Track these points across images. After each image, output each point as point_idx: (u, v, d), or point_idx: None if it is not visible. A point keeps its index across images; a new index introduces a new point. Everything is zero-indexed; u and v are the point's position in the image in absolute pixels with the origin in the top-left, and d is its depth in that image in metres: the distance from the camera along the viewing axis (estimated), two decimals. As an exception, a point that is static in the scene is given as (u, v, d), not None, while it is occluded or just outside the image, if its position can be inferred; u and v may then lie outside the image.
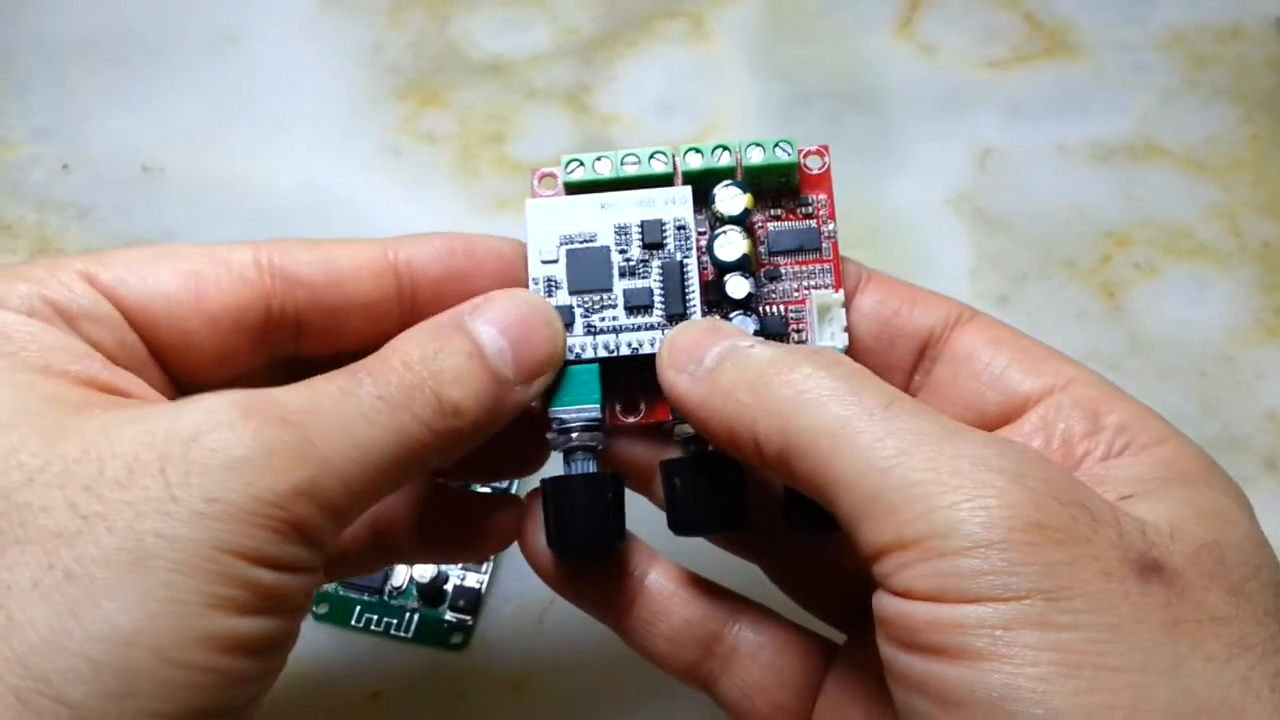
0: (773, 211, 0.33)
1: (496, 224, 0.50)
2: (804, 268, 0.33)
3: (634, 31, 0.56)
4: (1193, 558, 0.25)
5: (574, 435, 0.31)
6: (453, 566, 0.41)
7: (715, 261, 0.32)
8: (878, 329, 0.33)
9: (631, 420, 0.32)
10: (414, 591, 0.41)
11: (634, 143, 0.52)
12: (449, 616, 0.41)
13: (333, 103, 0.55)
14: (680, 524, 0.31)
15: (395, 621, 0.41)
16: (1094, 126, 0.52)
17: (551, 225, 0.32)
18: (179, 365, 0.30)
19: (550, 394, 0.31)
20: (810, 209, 0.33)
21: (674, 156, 0.32)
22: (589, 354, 0.31)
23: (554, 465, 0.32)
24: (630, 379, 0.32)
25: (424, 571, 0.41)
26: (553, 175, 0.33)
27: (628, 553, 0.33)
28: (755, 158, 0.32)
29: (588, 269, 0.32)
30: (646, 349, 0.31)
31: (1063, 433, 0.30)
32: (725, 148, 0.32)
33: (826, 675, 0.32)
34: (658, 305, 0.32)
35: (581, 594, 0.33)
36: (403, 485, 0.30)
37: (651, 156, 0.32)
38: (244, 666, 0.24)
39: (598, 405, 0.31)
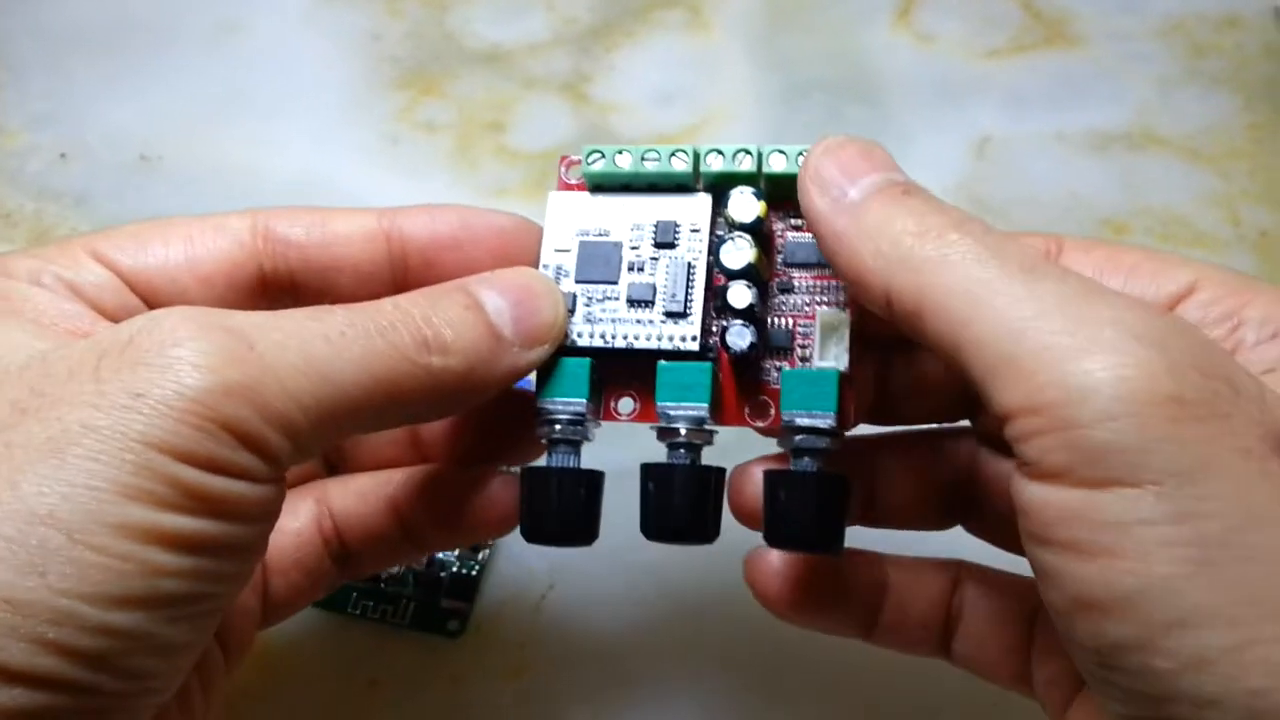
0: (793, 221, 0.32)
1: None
2: (819, 283, 0.32)
3: (632, 21, 0.56)
4: None
5: (558, 427, 0.31)
6: (449, 554, 0.41)
7: (720, 267, 0.31)
8: None
9: (624, 416, 0.32)
10: (410, 579, 0.41)
11: (632, 132, 0.52)
12: (445, 604, 0.41)
13: (331, 92, 0.55)
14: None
15: (391, 609, 0.41)
16: (1092, 115, 0.52)
17: (570, 216, 0.33)
18: None
19: (541, 385, 0.31)
20: None
21: (695, 157, 0.32)
22: (584, 342, 0.31)
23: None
24: (626, 374, 0.32)
25: (421, 560, 0.41)
26: (578, 161, 0.33)
27: (852, 566, 0.33)
28: (777, 165, 0.32)
29: (596, 261, 0.32)
30: (641, 344, 0.31)
31: None
32: (747, 151, 0.32)
33: (1036, 618, 0.32)
34: (659, 302, 0.31)
35: (818, 621, 0.33)
36: (389, 424, 0.30)
37: (672, 155, 0.32)
38: (169, 561, 0.24)
39: (585, 400, 0.31)
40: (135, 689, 0.24)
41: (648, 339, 0.31)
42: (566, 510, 0.31)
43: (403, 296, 0.29)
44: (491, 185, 0.51)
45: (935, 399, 0.33)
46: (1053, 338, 0.24)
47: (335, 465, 0.37)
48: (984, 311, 0.25)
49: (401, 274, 0.32)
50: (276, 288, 0.32)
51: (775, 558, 0.32)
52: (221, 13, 0.57)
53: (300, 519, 0.34)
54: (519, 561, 0.42)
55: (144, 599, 0.24)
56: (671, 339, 0.31)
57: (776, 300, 0.32)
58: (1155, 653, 0.22)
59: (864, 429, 0.33)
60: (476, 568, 0.41)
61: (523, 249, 0.32)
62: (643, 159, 0.32)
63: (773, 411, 0.31)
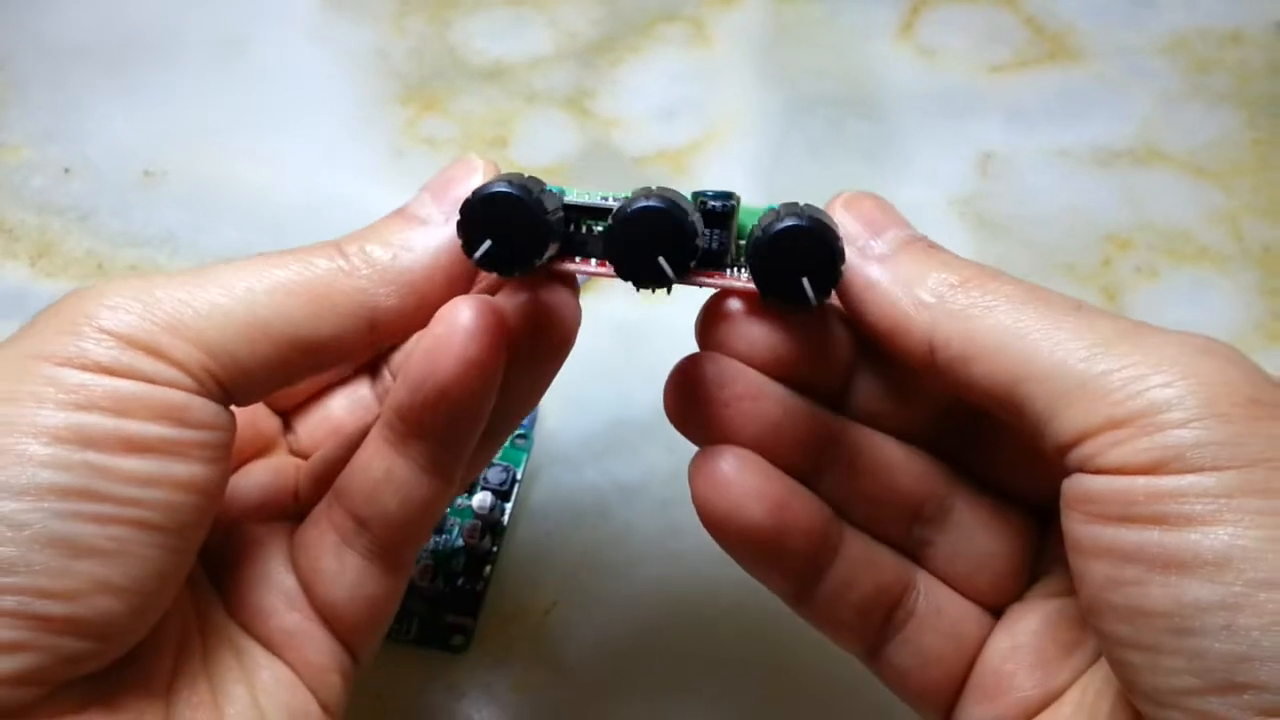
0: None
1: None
2: None
3: (635, 35, 0.57)
4: None
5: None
6: (453, 569, 0.41)
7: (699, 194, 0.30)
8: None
9: (579, 265, 0.30)
10: (414, 593, 0.41)
11: (636, 146, 0.52)
12: (450, 619, 0.41)
13: (335, 107, 0.55)
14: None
15: (396, 624, 0.41)
16: (1095, 131, 0.52)
17: None
18: None
19: None
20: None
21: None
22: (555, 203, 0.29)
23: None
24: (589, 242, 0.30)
25: (425, 574, 0.40)
26: None
27: (823, 514, 0.31)
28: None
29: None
30: (612, 202, 0.29)
31: None
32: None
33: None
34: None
35: (776, 560, 0.31)
36: (338, 349, 0.29)
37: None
38: (45, 452, 0.25)
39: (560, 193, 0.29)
40: (42, 587, 0.25)
41: (617, 200, 0.29)
42: (525, 185, 0.28)
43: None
44: (495, 200, 0.51)
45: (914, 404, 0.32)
46: (1122, 360, 0.25)
47: None
48: (1044, 346, 0.26)
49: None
50: None
51: (728, 458, 0.30)
52: (226, 28, 0.57)
53: None
54: (524, 577, 0.42)
55: (20, 488, 0.25)
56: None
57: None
58: (1241, 609, 0.23)
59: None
60: (481, 583, 0.41)
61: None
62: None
63: (745, 275, 0.30)
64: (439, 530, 0.42)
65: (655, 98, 0.55)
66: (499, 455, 0.43)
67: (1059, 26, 0.56)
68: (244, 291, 0.28)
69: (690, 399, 0.30)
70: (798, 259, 0.28)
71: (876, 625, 0.31)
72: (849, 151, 0.52)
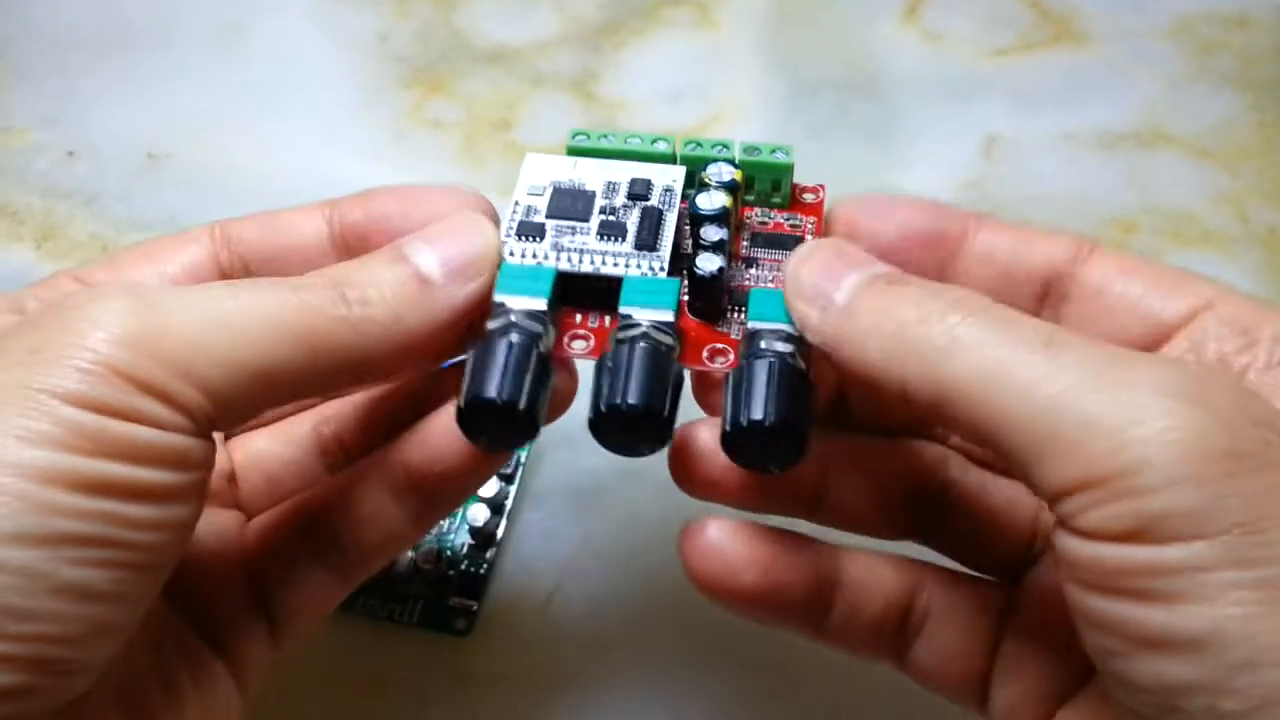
0: (760, 220, 0.33)
1: (503, 210, 0.50)
2: (779, 267, 0.31)
3: (640, 19, 0.56)
4: None
5: (512, 317, 0.29)
6: (457, 551, 0.41)
7: (694, 209, 0.31)
8: (995, 273, 0.31)
9: (577, 352, 0.30)
10: (418, 577, 0.41)
11: (640, 129, 0.52)
12: (453, 602, 0.41)
13: (339, 90, 0.55)
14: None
15: (399, 607, 0.41)
16: (1101, 114, 0.52)
17: (545, 171, 0.32)
18: None
19: (499, 283, 0.30)
20: (799, 225, 0.33)
21: (674, 143, 0.32)
22: (550, 265, 0.30)
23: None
24: (587, 304, 0.31)
25: (429, 558, 0.41)
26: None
27: (815, 557, 0.31)
28: (750, 157, 0.32)
29: (569, 200, 0.31)
30: (608, 269, 0.30)
31: (1215, 351, 0.28)
32: (725, 145, 0.32)
33: (1004, 629, 0.31)
34: (630, 235, 0.30)
35: (758, 612, 0.32)
36: (321, 385, 0.29)
37: (654, 141, 0.33)
38: (62, 499, 0.24)
39: (545, 298, 0.29)
40: (51, 633, 0.24)
41: (615, 264, 0.30)
42: (511, 388, 0.28)
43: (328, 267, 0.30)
44: (499, 183, 0.51)
45: (899, 410, 0.32)
46: (1093, 409, 0.24)
47: None
48: (1010, 391, 0.24)
49: (344, 254, 0.32)
50: (234, 274, 0.32)
51: (714, 529, 0.31)
52: (229, 12, 0.57)
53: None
54: (527, 560, 0.42)
55: (39, 537, 0.24)
56: (640, 266, 0.30)
57: (741, 272, 0.32)
58: (1224, 693, 0.22)
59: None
60: (485, 566, 0.41)
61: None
62: (625, 141, 0.33)
63: (732, 356, 0.30)
64: None
65: (660, 81, 0.55)
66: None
67: (1064, 9, 0.56)
68: (245, 332, 0.27)
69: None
70: (763, 450, 0.28)
71: (893, 636, 0.31)
72: (853, 135, 0.52)
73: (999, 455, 0.25)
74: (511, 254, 0.30)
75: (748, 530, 0.30)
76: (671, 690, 0.39)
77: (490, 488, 0.41)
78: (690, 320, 0.31)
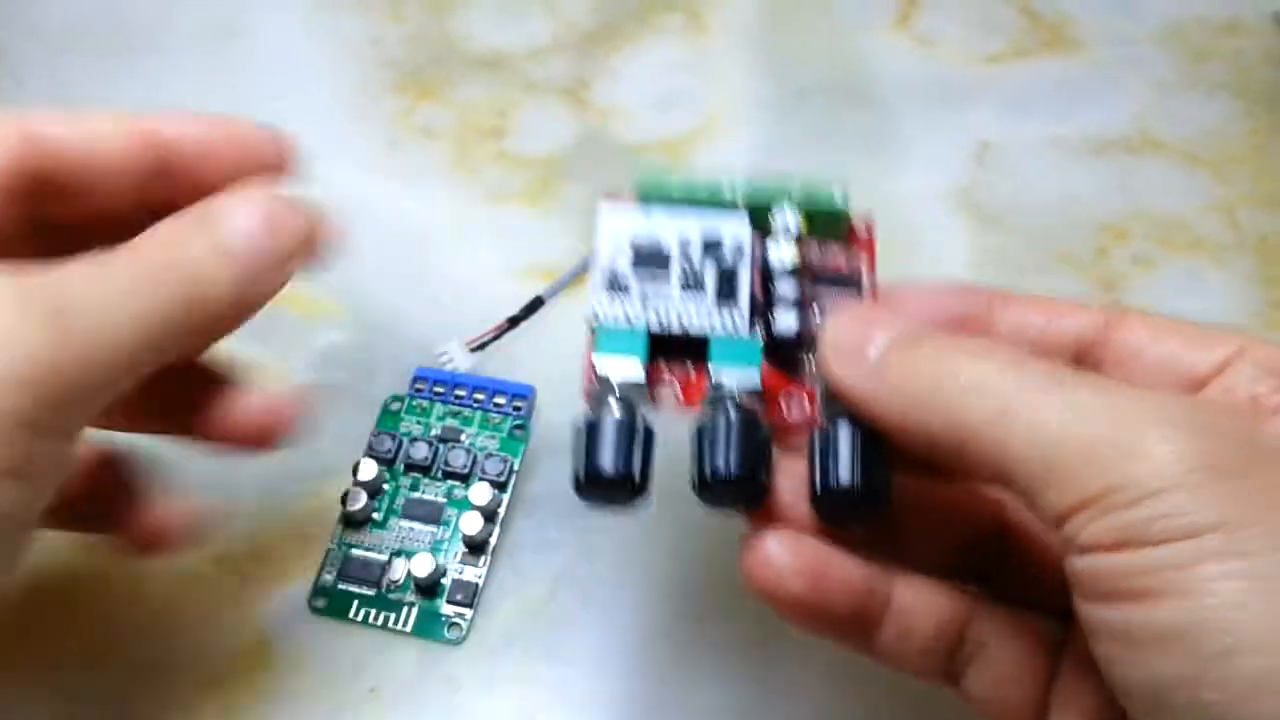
0: (819, 258, 0.34)
1: (495, 218, 0.50)
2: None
3: (632, 25, 0.56)
4: None
5: (617, 390, 0.31)
6: (450, 560, 0.41)
7: (766, 265, 0.33)
8: (1029, 346, 0.32)
9: (666, 403, 0.33)
10: (411, 585, 0.41)
11: (633, 136, 0.52)
12: (447, 610, 0.41)
13: (330, 96, 0.55)
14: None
15: (393, 615, 0.41)
16: (1091, 120, 0.52)
17: (622, 223, 0.34)
18: None
19: (596, 344, 0.32)
20: (856, 263, 0.34)
21: (737, 186, 0.34)
22: (640, 324, 0.32)
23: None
24: (677, 358, 0.33)
25: (423, 566, 0.40)
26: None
27: (866, 575, 0.32)
28: (809, 201, 0.34)
29: (648, 259, 0.33)
30: (694, 326, 0.32)
31: (1248, 393, 0.29)
32: (784, 185, 0.34)
33: (1061, 659, 0.32)
34: (709, 291, 0.32)
35: (825, 623, 0.32)
36: (154, 365, 0.31)
37: (717, 184, 0.34)
38: None
39: (640, 358, 0.32)
40: None
41: (700, 322, 0.32)
42: (628, 452, 0.31)
43: (159, 235, 0.31)
44: (491, 190, 0.51)
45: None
46: (1089, 438, 0.25)
47: None
48: (1017, 430, 0.26)
49: (165, 175, 0.33)
50: (37, 183, 0.32)
51: (771, 540, 0.31)
52: (221, 16, 0.57)
53: None
54: (521, 568, 0.42)
55: None
56: (722, 322, 0.32)
57: (811, 316, 0.33)
58: (1204, 685, 0.23)
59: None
60: (479, 574, 0.41)
61: (272, 155, 0.35)
62: (691, 186, 0.34)
63: (808, 405, 0.32)
64: (435, 521, 0.42)
65: (652, 87, 0.55)
66: (497, 446, 0.43)
67: (1055, 16, 0.56)
68: (120, 341, 0.29)
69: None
70: (849, 512, 0.31)
71: (945, 661, 0.32)
72: (845, 141, 0.52)
73: (1014, 492, 0.27)
74: (601, 309, 0.32)
75: (802, 544, 0.31)
76: (667, 695, 0.39)
77: (484, 495, 0.41)
78: (769, 369, 0.32)
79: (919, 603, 0.32)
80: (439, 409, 0.44)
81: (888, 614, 0.32)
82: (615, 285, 0.33)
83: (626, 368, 0.31)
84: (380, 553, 0.41)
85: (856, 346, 0.30)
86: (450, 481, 0.42)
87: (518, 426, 0.43)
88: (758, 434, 0.31)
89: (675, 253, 0.33)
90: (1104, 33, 0.55)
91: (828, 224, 0.34)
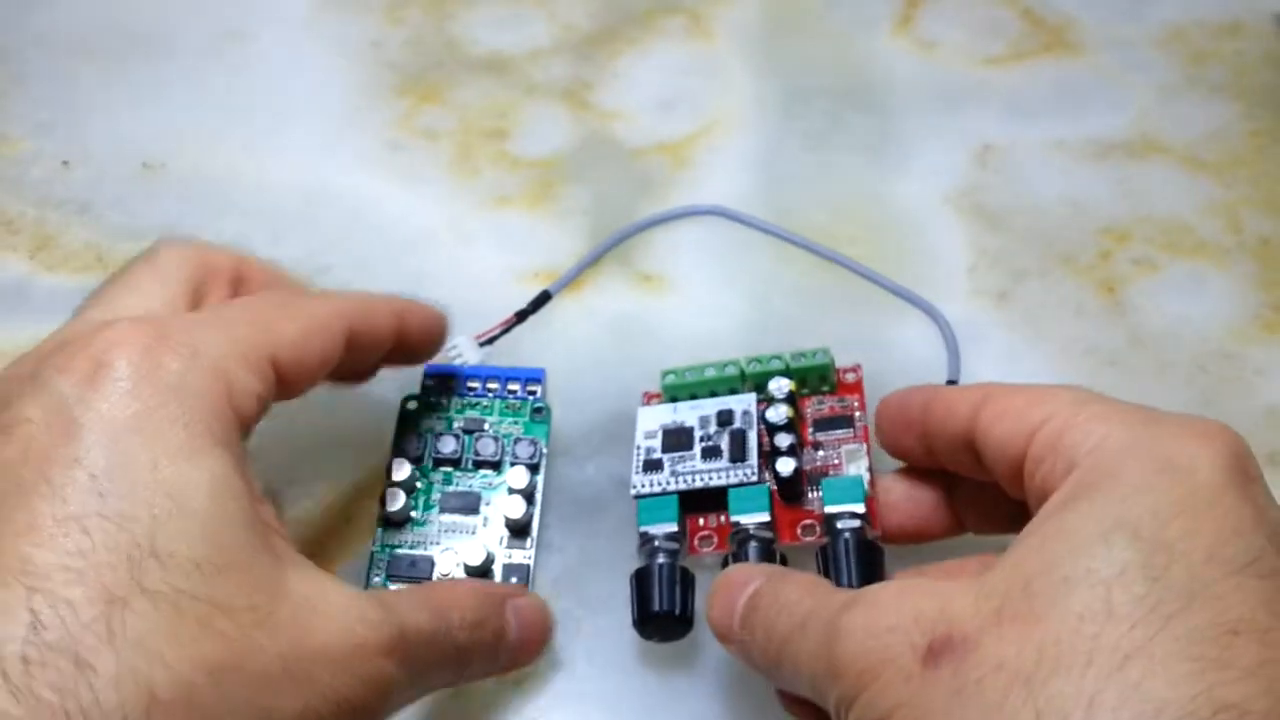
0: (817, 407, 0.41)
1: (496, 220, 0.50)
2: (840, 444, 0.40)
3: (634, 28, 0.57)
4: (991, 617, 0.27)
5: (656, 543, 0.38)
6: (498, 546, 0.41)
7: (766, 423, 0.39)
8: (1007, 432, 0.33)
9: (706, 552, 0.39)
10: (465, 574, 0.40)
11: (634, 139, 0.52)
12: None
13: (332, 99, 0.55)
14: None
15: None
16: (1093, 123, 0.52)
17: (655, 417, 0.41)
18: None
19: (640, 516, 0.38)
20: (848, 405, 0.41)
21: (741, 367, 0.42)
22: (672, 488, 0.39)
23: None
24: (705, 508, 0.39)
25: (474, 553, 0.39)
26: (658, 395, 0.43)
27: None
28: (799, 363, 0.41)
29: (676, 436, 0.41)
30: (714, 481, 0.39)
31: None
32: (778, 357, 0.41)
33: None
34: (725, 453, 0.40)
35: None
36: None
37: (725, 366, 0.42)
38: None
39: (674, 523, 0.38)
40: None
41: (718, 476, 0.39)
42: (670, 601, 0.37)
43: (464, 607, 0.36)
44: (492, 192, 0.51)
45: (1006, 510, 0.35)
46: (849, 653, 0.29)
47: None
48: (821, 645, 0.30)
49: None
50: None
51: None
52: (224, 21, 0.57)
53: None
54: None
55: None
56: (736, 474, 0.39)
57: (812, 455, 0.40)
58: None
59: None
60: (529, 556, 0.41)
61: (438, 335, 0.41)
62: (704, 371, 0.42)
63: (818, 529, 0.38)
64: (474, 510, 0.42)
65: (653, 90, 0.55)
66: (523, 431, 0.43)
67: (1056, 19, 0.56)
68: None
69: None
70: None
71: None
72: (847, 144, 0.52)
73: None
74: (640, 486, 0.39)
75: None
76: (670, 700, 0.39)
77: (521, 479, 0.41)
78: (780, 505, 0.39)
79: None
80: (456, 403, 0.43)
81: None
82: (650, 467, 0.40)
83: (663, 527, 0.38)
84: (426, 549, 0.41)
85: (723, 622, 0.34)
86: (482, 471, 0.42)
87: (537, 409, 0.43)
88: (772, 556, 0.37)
89: (697, 429, 0.41)
90: (1105, 35, 0.55)
91: (818, 380, 0.41)
